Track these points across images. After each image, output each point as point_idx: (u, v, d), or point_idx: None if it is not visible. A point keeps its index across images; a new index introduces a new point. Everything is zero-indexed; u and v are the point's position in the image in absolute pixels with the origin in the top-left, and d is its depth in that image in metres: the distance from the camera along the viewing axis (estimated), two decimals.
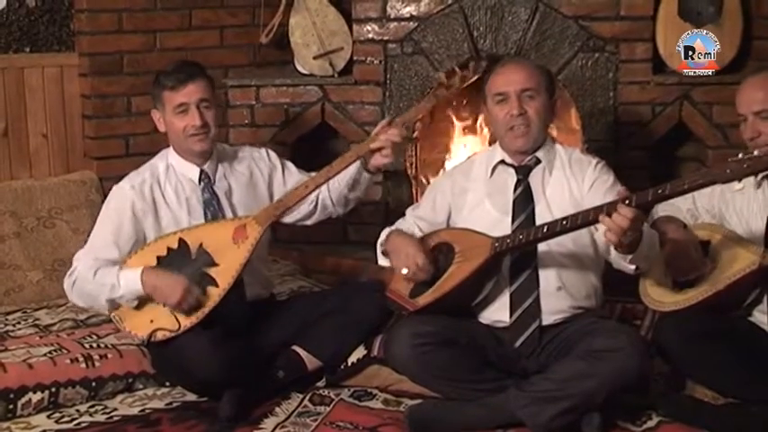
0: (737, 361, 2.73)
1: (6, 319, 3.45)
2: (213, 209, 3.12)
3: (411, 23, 3.92)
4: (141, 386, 3.07)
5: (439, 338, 2.82)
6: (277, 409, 2.94)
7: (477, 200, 3.00)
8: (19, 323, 3.43)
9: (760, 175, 2.76)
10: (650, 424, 2.76)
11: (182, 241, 3.00)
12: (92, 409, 2.96)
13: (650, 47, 3.75)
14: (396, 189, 4.02)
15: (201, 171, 3.15)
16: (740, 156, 2.45)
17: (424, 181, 4.02)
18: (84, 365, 3.01)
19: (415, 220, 3.09)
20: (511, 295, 2.87)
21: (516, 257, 2.87)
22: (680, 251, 2.82)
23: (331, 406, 2.98)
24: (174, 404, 2.99)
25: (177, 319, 2.93)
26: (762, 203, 2.83)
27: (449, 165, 4.05)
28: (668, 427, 2.74)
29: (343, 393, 3.05)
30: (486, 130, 4.07)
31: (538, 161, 2.96)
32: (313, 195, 3.19)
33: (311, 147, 4.11)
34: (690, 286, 2.83)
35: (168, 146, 3.18)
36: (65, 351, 3.08)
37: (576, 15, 3.78)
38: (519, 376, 2.85)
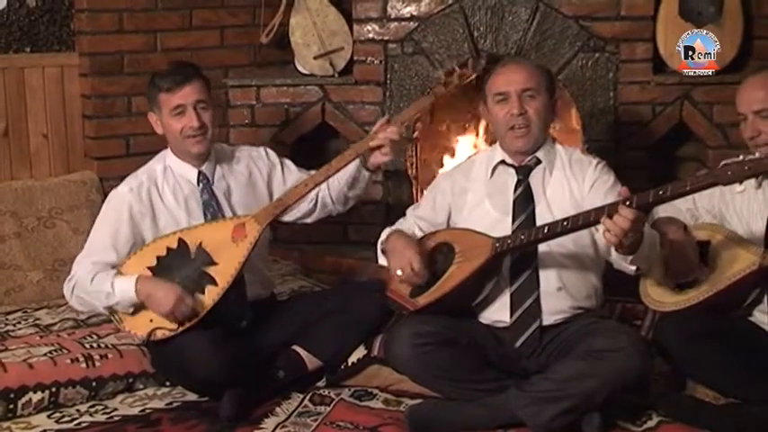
0: (738, 361, 2.73)
1: (7, 319, 3.46)
2: (212, 209, 3.12)
3: (411, 23, 3.92)
4: (142, 386, 3.07)
5: (439, 338, 2.82)
6: (277, 409, 2.94)
7: (477, 200, 3.00)
8: (19, 323, 3.43)
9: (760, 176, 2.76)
10: (650, 424, 2.76)
11: (181, 241, 3.00)
12: (92, 409, 2.96)
13: (651, 47, 3.75)
14: (396, 189, 4.02)
15: (200, 172, 3.15)
16: (741, 157, 2.45)
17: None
18: (84, 365, 3.01)
19: (415, 220, 3.09)
20: (511, 295, 2.87)
21: (517, 258, 2.87)
22: (678, 253, 2.82)
23: (331, 406, 2.97)
24: (175, 404, 2.99)
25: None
26: (762, 204, 2.83)
27: (449, 165, 4.05)
28: (669, 427, 2.74)
29: (343, 393, 3.05)
30: (480, 131, 4.09)
31: (538, 161, 2.96)
32: (313, 194, 3.19)
33: (312, 147, 4.12)
34: (690, 286, 2.83)
35: (167, 147, 3.18)
36: (65, 351, 3.08)
37: (577, 15, 3.78)
38: (519, 376, 2.85)
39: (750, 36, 3.73)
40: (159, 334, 2.93)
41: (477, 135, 4.14)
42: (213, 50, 4.11)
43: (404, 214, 3.17)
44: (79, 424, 2.87)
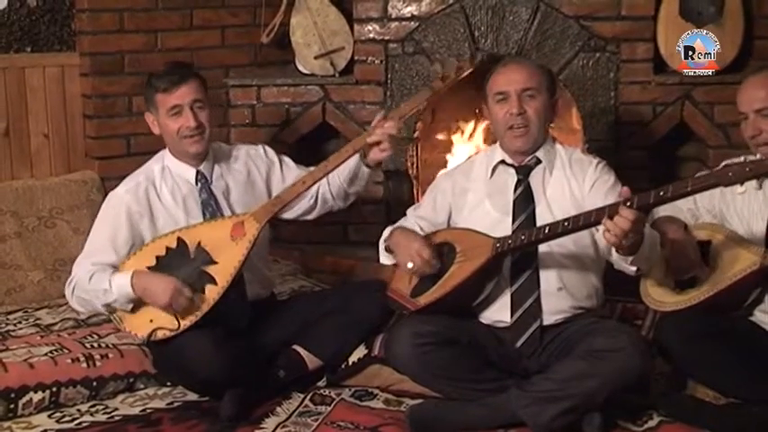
0: (738, 361, 2.73)
1: (7, 319, 3.46)
2: (211, 209, 3.12)
3: (412, 23, 3.92)
4: (142, 386, 3.07)
5: (440, 338, 2.82)
6: (278, 409, 2.94)
7: (477, 200, 3.00)
8: (20, 323, 3.43)
9: None
10: (651, 424, 2.76)
11: (180, 240, 3.00)
12: (93, 409, 2.96)
13: (651, 47, 3.75)
14: (396, 189, 4.02)
15: (198, 172, 3.15)
16: (743, 158, 2.45)
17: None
18: (85, 365, 3.01)
19: (416, 220, 3.08)
20: (512, 295, 2.88)
21: (517, 258, 2.87)
22: (679, 252, 2.82)
23: (332, 406, 2.98)
24: (175, 404, 2.99)
25: (177, 319, 2.93)
26: (762, 204, 2.83)
27: (449, 165, 4.05)
28: (669, 426, 2.74)
29: (344, 393, 3.05)
30: (480, 131, 4.09)
31: (538, 161, 2.96)
32: (312, 190, 3.19)
33: (312, 146, 4.11)
34: (691, 286, 2.83)
35: (165, 147, 3.18)
36: (66, 351, 3.08)
37: (577, 15, 3.78)
38: (520, 376, 2.85)
39: (751, 36, 3.73)
40: (160, 334, 2.93)
41: (473, 136, 4.14)
42: (214, 50, 4.11)
43: (404, 214, 3.17)
44: (80, 424, 2.87)
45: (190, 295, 2.91)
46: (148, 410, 2.95)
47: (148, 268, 2.98)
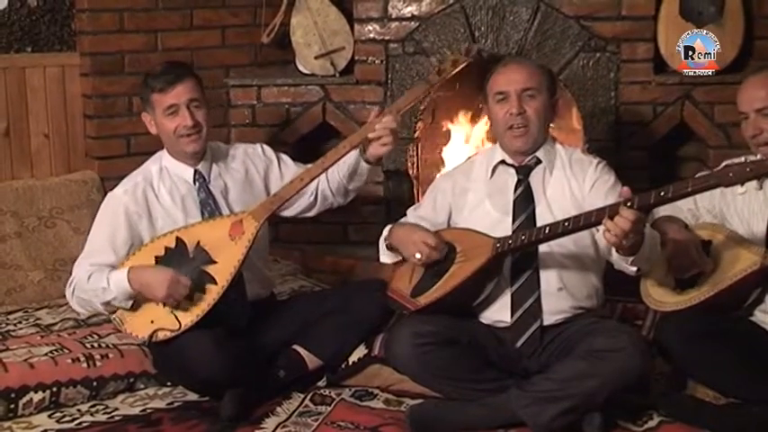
0: (739, 361, 2.73)
1: (8, 319, 3.46)
2: (210, 208, 3.12)
3: (412, 23, 3.92)
4: (142, 386, 3.07)
5: (440, 338, 2.82)
6: (278, 409, 2.94)
7: (477, 200, 3.00)
8: (20, 323, 3.43)
9: None
10: (651, 424, 2.76)
11: (179, 240, 3.00)
12: (93, 409, 2.96)
13: (651, 47, 3.75)
14: (396, 189, 4.02)
15: (196, 171, 3.14)
16: (743, 159, 2.45)
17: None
18: (85, 365, 3.01)
19: (416, 220, 3.08)
20: (512, 295, 2.88)
21: (517, 258, 2.87)
22: (681, 250, 2.82)
23: (332, 406, 2.98)
24: (176, 404, 2.99)
25: (177, 319, 2.93)
26: (763, 204, 2.83)
27: (449, 165, 4.05)
28: (669, 426, 2.74)
29: (344, 393, 3.05)
30: (480, 131, 4.09)
31: (538, 161, 2.96)
32: (312, 187, 3.19)
33: (312, 146, 4.11)
34: (691, 286, 2.83)
35: (164, 148, 3.18)
36: (66, 351, 3.08)
37: (578, 15, 3.78)
38: (520, 376, 2.85)
39: (751, 36, 3.73)
40: (161, 335, 2.93)
41: (473, 136, 4.14)
42: (214, 50, 4.11)
43: (404, 214, 3.17)
44: (80, 424, 2.87)
45: (188, 284, 2.91)
46: (149, 410, 2.95)
47: None
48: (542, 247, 2.85)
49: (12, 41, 3.86)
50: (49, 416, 2.91)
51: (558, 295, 2.87)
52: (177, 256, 2.98)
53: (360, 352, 3.11)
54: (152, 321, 2.95)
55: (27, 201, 3.76)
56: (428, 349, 2.81)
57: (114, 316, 3.02)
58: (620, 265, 2.75)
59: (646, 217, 2.58)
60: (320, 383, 3.11)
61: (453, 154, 4.13)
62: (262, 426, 2.84)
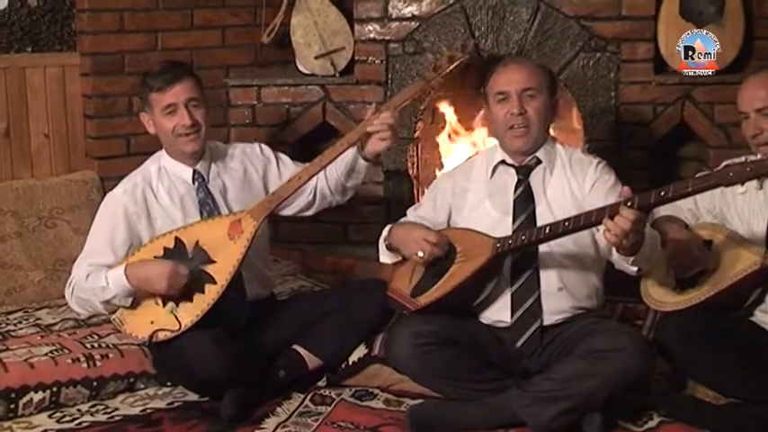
0: (739, 361, 2.73)
1: (8, 319, 3.46)
2: (209, 208, 3.12)
3: (412, 23, 3.92)
4: (142, 386, 3.07)
5: (440, 338, 2.82)
6: (278, 409, 2.94)
7: (477, 200, 3.00)
8: (20, 323, 3.43)
9: None
10: (651, 424, 2.76)
11: (178, 240, 2.99)
12: (93, 409, 2.96)
13: (652, 47, 3.75)
14: (396, 189, 4.02)
15: (195, 171, 3.14)
16: (743, 159, 2.45)
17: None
18: (85, 365, 3.01)
19: (416, 220, 3.08)
20: (512, 295, 2.87)
21: (517, 258, 2.87)
22: (682, 250, 2.82)
23: (332, 406, 2.97)
24: (176, 404, 2.99)
25: (177, 319, 2.92)
26: (763, 204, 2.83)
27: (449, 165, 4.05)
28: (669, 427, 2.74)
29: (344, 393, 3.05)
30: (480, 131, 4.09)
31: (538, 161, 2.96)
32: (310, 186, 3.18)
33: (312, 147, 4.11)
34: (691, 286, 2.83)
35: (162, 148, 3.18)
36: (66, 351, 3.08)
37: (578, 15, 3.78)
38: (520, 376, 2.85)
39: (751, 36, 3.73)
40: (161, 335, 2.93)
41: (472, 136, 4.14)
42: (214, 50, 4.11)
43: (404, 214, 3.17)
44: (80, 424, 2.87)
45: (185, 273, 2.90)
46: (149, 410, 2.95)
47: None
48: (542, 247, 2.85)
49: (12, 41, 3.86)
50: (50, 416, 2.91)
51: (559, 295, 2.87)
52: (176, 256, 2.97)
53: (360, 352, 3.11)
54: (152, 322, 2.95)
55: (27, 201, 3.76)
56: (428, 349, 2.80)
57: (114, 316, 3.02)
58: (620, 264, 2.75)
59: (646, 217, 2.58)
60: (320, 383, 3.11)
61: (453, 154, 4.13)
62: (262, 426, 2.84)
